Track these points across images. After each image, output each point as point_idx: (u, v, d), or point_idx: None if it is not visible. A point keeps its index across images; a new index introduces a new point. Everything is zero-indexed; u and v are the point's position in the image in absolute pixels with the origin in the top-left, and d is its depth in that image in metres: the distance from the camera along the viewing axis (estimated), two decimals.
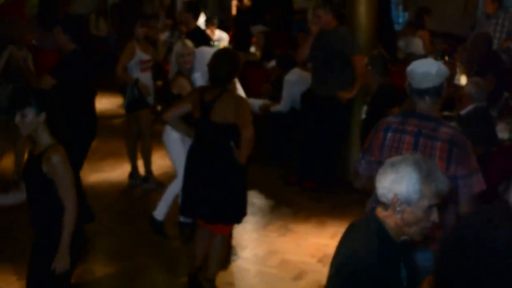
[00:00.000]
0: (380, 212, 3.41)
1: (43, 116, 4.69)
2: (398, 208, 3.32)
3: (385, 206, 3.37)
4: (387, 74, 7.57)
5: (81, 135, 7.32)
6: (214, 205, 6.19)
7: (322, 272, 6.88)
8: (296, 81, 10.03)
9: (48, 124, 4.73)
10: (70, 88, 7.31)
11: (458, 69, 9.92)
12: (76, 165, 7.43)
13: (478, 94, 7.48)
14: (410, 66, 4.64)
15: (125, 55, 8.97)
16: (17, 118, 4.72)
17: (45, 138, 4.73)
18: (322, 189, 9.22)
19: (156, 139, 9.11)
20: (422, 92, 4.55)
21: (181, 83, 7.30)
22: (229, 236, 7.08)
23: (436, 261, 4.01)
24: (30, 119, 4.68)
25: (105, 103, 13.05)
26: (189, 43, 7.51)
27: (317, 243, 7.61)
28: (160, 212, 7.42)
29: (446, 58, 11.47)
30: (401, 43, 12.91)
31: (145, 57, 9.10)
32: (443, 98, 4.62)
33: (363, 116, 7.04)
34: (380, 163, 4.19)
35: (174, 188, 7.34)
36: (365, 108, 7.05)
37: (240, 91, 7.34)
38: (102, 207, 8.34)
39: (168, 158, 7.89)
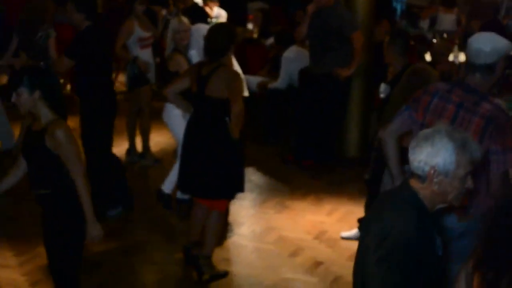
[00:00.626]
0: (415, 184, 3.48)
1: (37, 94, 4.72)
2: (435, 180, 3.40)
3: (421, 178, 3.45)
4: (409, 52, 7.42)
5: (103, 111, 7.41)
6: (208, 180, 6.25)
7: (319, 249, 6.99)
8: (294, 58, 10.06)
9: (47, 100, 4.76)
10: (88, 65, 7.32)
11: (456, 46, 9.96)
12: (105, 143, 7.50)
13: None
14: (470, 38, 4.66)
15: (123, 33, 8.99)
16: (13, 97, 4.76)
17: (45, 113, 4.76)
18: (319, 167, 9.29)
19: (154, 116, 9.17)
20: (474, 67, 4.55)
21: (178, 60, 7.33)
22: (226, 213, 7.13)
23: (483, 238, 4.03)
24: (24, 97, 4.72)
25: None
26: (185, 19, 7.54)
27: (313, 220, 7.69)
28: (167, 185, 7.50)
29: (445, 34, 11.50)
30: (425, 21, 12.83)
31: (145, 34, 9.11)
32: (496, 76, 4.59)
33: (382, 95, 6.95)
34: (422, 125, 4.37)
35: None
36: (383, 87, 6.94)
37: (237, 68, 7.36)
38: None
39: (165, 135, 7.94)
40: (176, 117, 7.29)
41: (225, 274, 6.48)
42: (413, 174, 3.48)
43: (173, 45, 7.49)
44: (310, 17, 9.37)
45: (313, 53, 9.24)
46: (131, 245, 7.03)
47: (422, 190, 3.46)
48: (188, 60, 7.39)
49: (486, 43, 4.55)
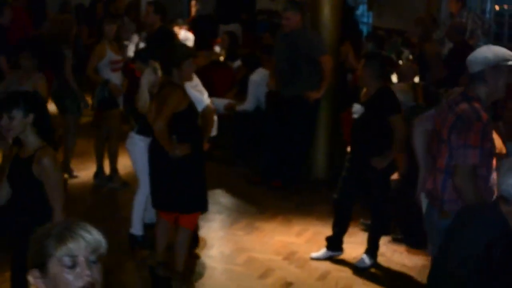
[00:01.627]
0: (503, 206, 3.82)
1: (31, 117, 4.72)
2: None
3: (508, 201, 3.79)
4: (385, 76, 7.53)
5: None
6: (160, 191, 6.44)
7: (288, 270, 7.06)
8: (261, 80, 10.18)
9: (36, 126, 4.75)
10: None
11: None
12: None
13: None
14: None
15: (95, 56, 9.06)
16: (4, 120, 4.72)
17: (33, 140, 4.75)
18: (287, 188, 9.37)
19: (122, 140, 9.20)
20: (469, 78, 4.92)
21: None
22: (194, 233, 7.13)
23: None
24: (18, 120, 4.69)
25: None
26: (160, 71, 7.27)
27: (283, 240, 7.76)
28: (136, 227, 7.49)
29: (410, 56, 11.65)
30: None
31: (116, 57, 9.18)
32: (491, 85, 4.87)
33: (355, 115, 7.02)
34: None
35: (141, 198, 7.40)
36: (357, 107, 6.99)
37: (201, 90, 7.39)
38: (68, 207, 8.38)
39: None
40: (142, 150, 7.06)
41: None
42: (501, 197, 3.71)
43: (147, 96, 6.98)
44: (277, 40, 9.50)
45: (281, 76, 9.33)
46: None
47: (508, 213, 3.69)
48: None
49: (474, 53, 4.95)
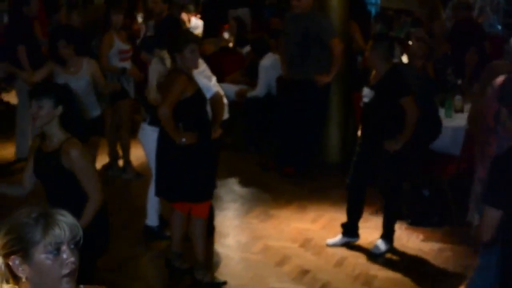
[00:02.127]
0: None
1: (60, 109, 4.73)
2: None
3: None
4: (393, 56, 7.48)
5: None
6: (168, 182, 6.44)
7: (305, 257, 7.10)
8: (271, 65, 10.19)
9: (63, 119, 4.78)
10: None
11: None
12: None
13: None
14: None
15: (105, 46, 9.06)
16: (33, 109, 4.73)
17: (58, 133, 4.78)
18: (301, 174, 9.40)
19: (134, 130, 9.25)
20: None
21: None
22: (209, 222, 7.17)
23: None
24: (46, 110, 4.71)
25: None
26: (167, 60, 7.25)
27: (298, 227, 7.80)
28: (151, 218, 7.52)
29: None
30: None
31: (124, 46, 9.17)
32: None
33: (365, 99, 7.00)
34: None
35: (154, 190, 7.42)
36: (367, 91, 6.98)
37: (210, 75, 7.36)
38: None
39: None
40: (154, 142, 6.95)
41: (223, 284, 6.58)
42: None
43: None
44: (286, 22, 9.50)
45: (291, 60, 9.34)
46: (115, 261, 7.05)
47: None
48: None
49: None
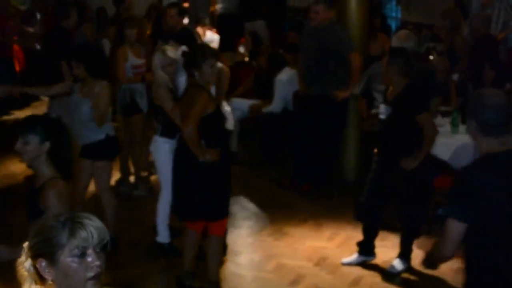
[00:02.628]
0: None
1: (47, 145, 4.55)
2: None
3: None
4: (411, 72, 7.37)
5: None
6: (186, 201, 6.38)
7: (320, 276, 6.98)
8: (288, 80, 10.12)
9: (51, 155, 4.59)
10: None
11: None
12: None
13: None
14: None
15: (120, 60, 8.99)
16: (19, 145, 4.57)
17: (44, 170, 4.58)
18: (317, 191, 9.27)
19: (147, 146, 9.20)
20: None
21: (160, 94, 7.22)
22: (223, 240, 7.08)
23: None
24: (32, 146, 4.54)
25: None
26: (169, 51, 7.24)
27: (313, 246, 7.68)
28: (162, 235, 7.45)
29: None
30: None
31: (138, 61, 9.09)
32: None
33: (382, 116, 6.91)
34: None
35: (164, 205, 7.32)
36: (383, 107, 6.88)
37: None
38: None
39: None
40: (166, 155, 7.07)
41: None
42: None
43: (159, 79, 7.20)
44: (304, 35, 9.40)
45: (308, 74, 9.24)
46: (127, 278, 6.99)
47: None
48: (176, 88, 7.29)
49: None
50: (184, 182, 6.38)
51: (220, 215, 6.47)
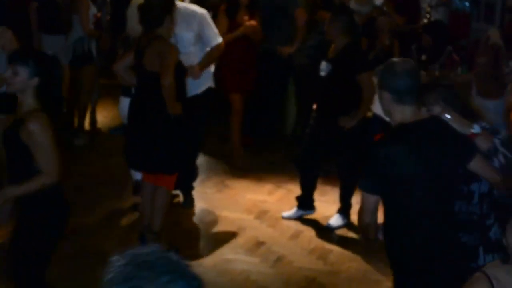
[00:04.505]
0: None
1: (35, 80, 4.59)
2: None
3: None
4: (354, 31, 7.50)
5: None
6: (150, 154, 6.41)
7: (260, 229, 7.15)
8: None
9: (40, 90, 4.63)
10: None
11: None
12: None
13: None
14: None
15: (85, 10, 8.99)
16: (8, 73, 4.61)
17: (29, 103, 4.62)
18: (259, 145, 9.44)
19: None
20: None
21: None
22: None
23: None
24: (21, 78, 4.58)
25: None
26: None
27: (254, 199, 7.86)
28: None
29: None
30: None
31: (95, 10, 9.15)
32: None
33: (322, 73, 7.00)
34: None
35: None
36: (324, 64, 6.98)
37: None
38: None
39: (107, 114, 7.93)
40: None
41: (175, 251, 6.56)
42: None
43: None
44: None
45: (265, 28, 9.29)
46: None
47: None
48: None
49: None
50: (146, 135, 6.41)
51: (177, 168, 6.57)
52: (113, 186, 7.99)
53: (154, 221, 6.57)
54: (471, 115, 4.49)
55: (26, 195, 4.65)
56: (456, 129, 4.22)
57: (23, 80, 4.59)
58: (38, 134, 4.54)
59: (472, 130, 4.27)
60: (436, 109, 4.33)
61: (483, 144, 4.28)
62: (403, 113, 4.16)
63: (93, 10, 9.07)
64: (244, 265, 6.51)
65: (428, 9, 11.06)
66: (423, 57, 9.06)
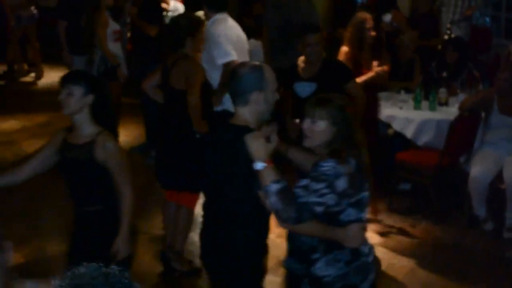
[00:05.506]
0: None
1: (90, 97, 4.66)
2: None
3: None
4: (331, 47, 7.50)
5: None
6: (172, 171, 6.56)
7: (282, 247, 7.02)
8: (253, 52, 10.15)
9: (95, 110, 4.69)
10: None
11: None
12: None
13: None
14: None
15: (102, 27, 9.06)
16: (62, 95, 4.67)
17: (89, 125, 4.70)
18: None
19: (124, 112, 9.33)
20: None
21: None
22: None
23: None
24: (76, 98, 4.64)
25: (54, 77, 13.03)
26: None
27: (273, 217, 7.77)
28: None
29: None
30: None
31: (117, 27, 9.18)
32: None
33: (303, 94, 6.94)
34: None
35: None
36: (302, 85, 6.94)
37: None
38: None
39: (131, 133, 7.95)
40: None
41: (197, 271, 6.62)
42: None
43: None
44: (267, 8, 9.48)
45: (272, 47, 9.32)
46: None
47: None
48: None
49: None
50: (172, 153, 6.49)
51: (197, 187, 6.57)
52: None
53: (177, 240, 6.63)
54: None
55: (102, 213, 4.78)
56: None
57: (78, 99, 4.63)
58: (117, 153, 4.67)
59: (255, 166, 4.14)
60: (320, 125, 4.25)
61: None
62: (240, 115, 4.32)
63: (113, 26, 9.07)
64: (268, 285, 6.48)
65: (449, 25, 11.10)
66: (444, 74, 9.10)
